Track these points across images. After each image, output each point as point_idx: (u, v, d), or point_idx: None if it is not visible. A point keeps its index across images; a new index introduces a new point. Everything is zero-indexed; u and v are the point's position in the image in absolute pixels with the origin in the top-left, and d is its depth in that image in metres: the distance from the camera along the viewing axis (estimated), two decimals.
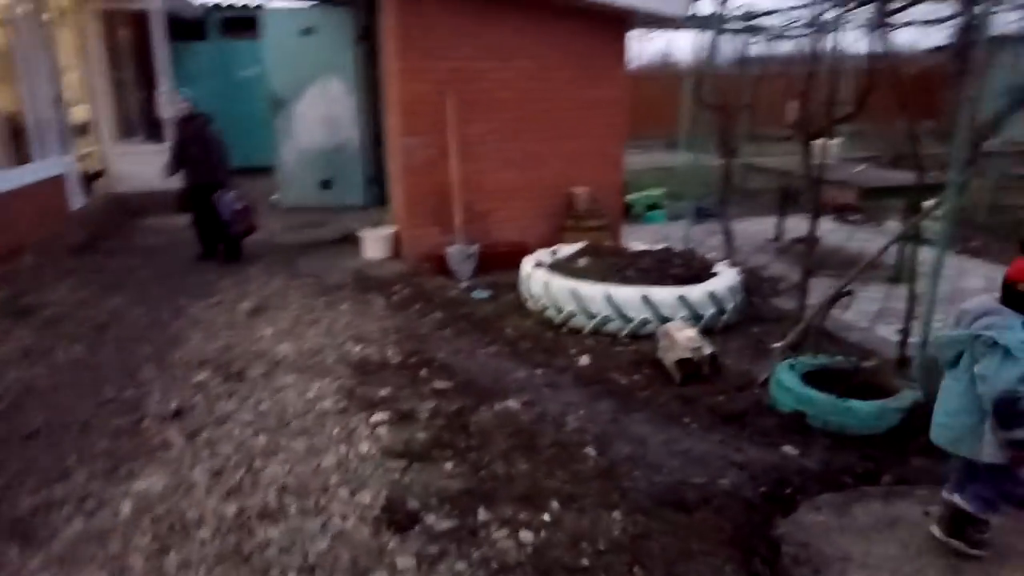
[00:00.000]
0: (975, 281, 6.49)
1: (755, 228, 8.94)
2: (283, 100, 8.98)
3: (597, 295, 5.01)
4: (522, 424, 3.76)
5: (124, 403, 4.03)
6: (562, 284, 5.18)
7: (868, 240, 8.10)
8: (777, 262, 7.31)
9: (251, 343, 4.93)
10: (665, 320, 4.88)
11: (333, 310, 5.66)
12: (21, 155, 7.72)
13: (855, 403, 3.64)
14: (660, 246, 6.30)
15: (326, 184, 9.13)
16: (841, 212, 9.74)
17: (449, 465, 3.34)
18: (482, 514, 2.95)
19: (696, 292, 4.99)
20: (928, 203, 4.40)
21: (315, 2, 9.51)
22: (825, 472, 3.35)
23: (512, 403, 3.99)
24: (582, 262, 5.85)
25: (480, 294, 5.99)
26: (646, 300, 4.91)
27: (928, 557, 2.66)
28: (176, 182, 7.35)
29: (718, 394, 4.11)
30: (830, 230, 8.77)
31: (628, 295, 4.96)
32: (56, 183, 8.31)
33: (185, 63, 11.91)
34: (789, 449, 3.52)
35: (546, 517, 2.94)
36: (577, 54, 6.91)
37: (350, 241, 7.96)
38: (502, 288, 6.13)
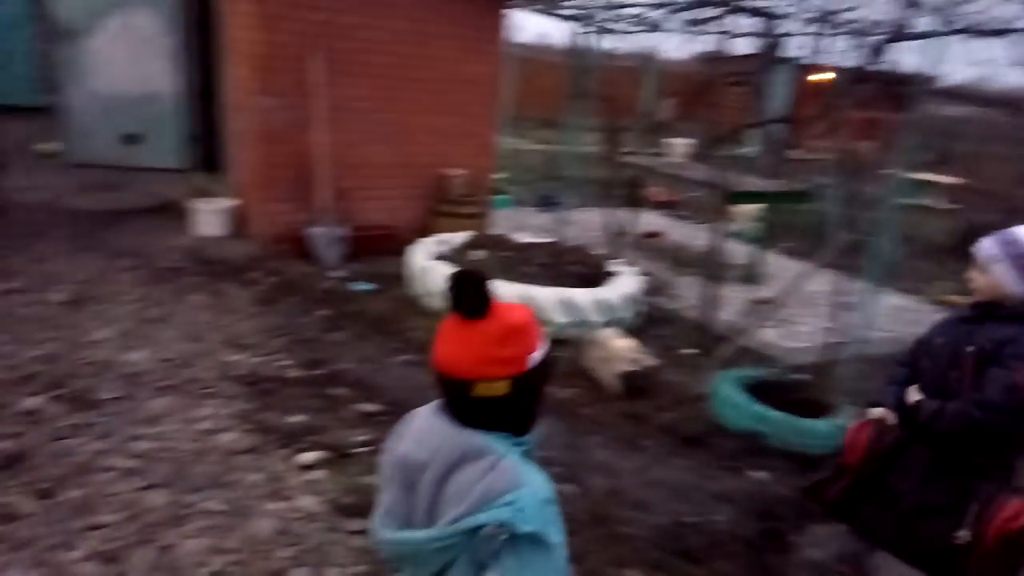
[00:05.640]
0: (819, 284, 7.06)
1: (595, 219, 8.99)
2: (72, 30, 7.19)
3: (512, 296, 4.57)
4: None
5: None
6: None
7: (702, 236, 8.46)
8: (636, 257, 7.36)
9: (85, 349, 3.79)
10: (582, 324, 4.59)
11: (183, 303, 4.60)
12: None
13: (813, 423, 3.64)
14: (546, 239, 6.01)
15: (132, 139, 7.51)
16: (666, 207, 10.23)
17: None
18: None
19: (615, 294, 4.77)
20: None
21: None
22: (803, 500, 3.28)
23: None
24: (477, 255, 5.36)
25: (361, 286, 5.25)
26: (567, 303, 4.58)
27: None
28: None
29: (663, 410, 3.91)
30: (668, 226, 9.13)
31: (547, 297, 4.59)
32: None
33: None
34: (761, 475, 3.42)
35: None
36: (455, 21, 6.30)
37: (169, 212, 6.66)
38: (383, 279, 5.44)
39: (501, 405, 1.25)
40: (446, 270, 4.80)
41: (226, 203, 6.22)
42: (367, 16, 5.87)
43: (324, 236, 5.75)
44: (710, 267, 5.53)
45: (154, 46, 7.33)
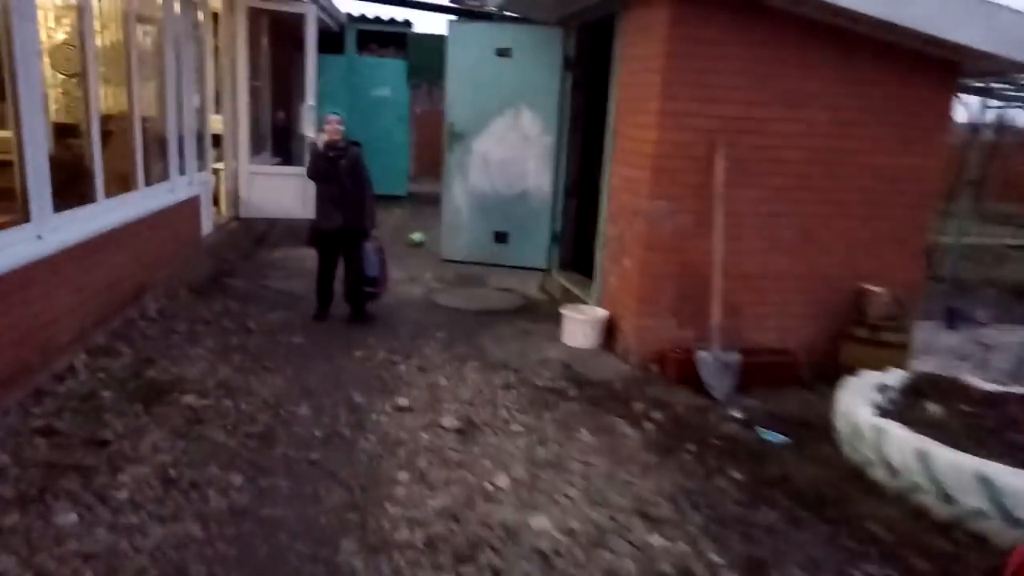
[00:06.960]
0: None
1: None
2: (462, 133, 7.49)
3: (1016, 490, 3.18)
4: None
5: None
6: (954, 463, 3.36)
7: None
8: None
9: (485, 502, 3.29)
10: None
11: (571, 439, 4.00)
12: (160, 171, 6.45)
13: None
14: (1016, 388, 4.44)
15: (500, 237, 7.56)
16: None
17: None
18: None
19: None
20: None
21: (501, 17, 8.10)
22: None
23: None
24: (932, 410, 4.04)
25: (771, 437, 4.23)
26: None
27: None
28: (308, 214, 5.97)
29: None
30: None
31: None
32: (191, 206, 7.02)
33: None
34: None
35: None
36: (888, 108, 5.15)
37: (533, 315, 6.40)
38: (791, 425, 4.37)
39: None
40: (920, 443, 3.54)
41: (597, 313, 5.70)
42: (783, 107, 5.02)
43: (714, 362, 4.88)
44: None
45: (532, 146, 7.33)
